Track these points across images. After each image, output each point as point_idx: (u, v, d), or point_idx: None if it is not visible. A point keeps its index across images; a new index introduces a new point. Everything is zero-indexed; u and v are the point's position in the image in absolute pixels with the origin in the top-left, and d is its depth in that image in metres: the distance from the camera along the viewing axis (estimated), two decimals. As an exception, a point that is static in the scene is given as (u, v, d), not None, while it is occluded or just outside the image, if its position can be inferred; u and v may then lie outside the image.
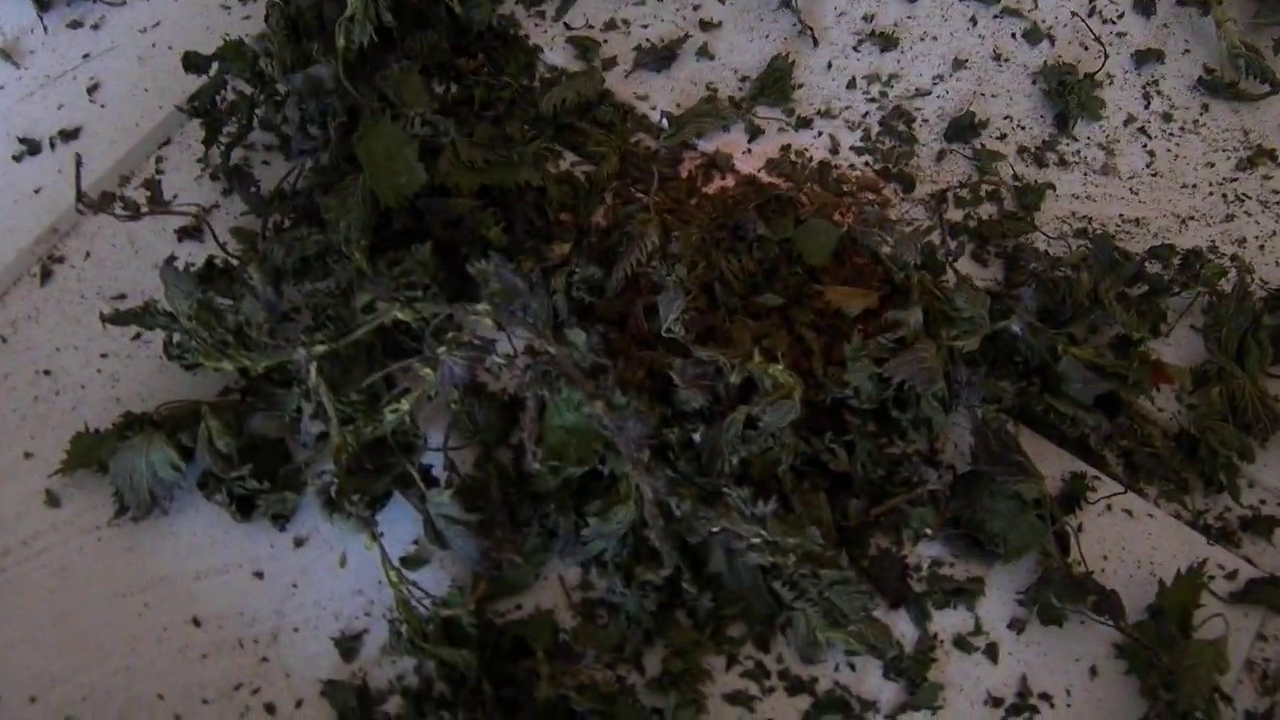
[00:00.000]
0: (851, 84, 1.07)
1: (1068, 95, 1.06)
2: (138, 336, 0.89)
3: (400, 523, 0.82)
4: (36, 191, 0.95)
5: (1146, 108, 1.06)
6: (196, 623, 0.81)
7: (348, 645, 0.81)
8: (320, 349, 0.81)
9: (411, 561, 0.82)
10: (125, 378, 0.88)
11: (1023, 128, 1.05)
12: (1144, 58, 1.09)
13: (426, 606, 0.80)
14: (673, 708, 0.79)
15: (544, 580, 0.82)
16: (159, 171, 0.96)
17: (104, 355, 0.89)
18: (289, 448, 0.85)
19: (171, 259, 0.84)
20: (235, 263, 0.87)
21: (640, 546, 0.81)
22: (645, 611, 0.81)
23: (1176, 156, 1.03)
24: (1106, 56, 1.07)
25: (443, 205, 0.90)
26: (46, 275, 0.91)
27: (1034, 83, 1.07)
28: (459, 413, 0.84)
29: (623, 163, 1.01)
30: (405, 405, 0.81)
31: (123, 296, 0.91)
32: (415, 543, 0.82)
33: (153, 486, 0.83)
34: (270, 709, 0.79)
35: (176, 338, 0.84)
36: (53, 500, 0.84)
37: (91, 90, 1.01)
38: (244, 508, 0.83)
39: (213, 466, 0.82)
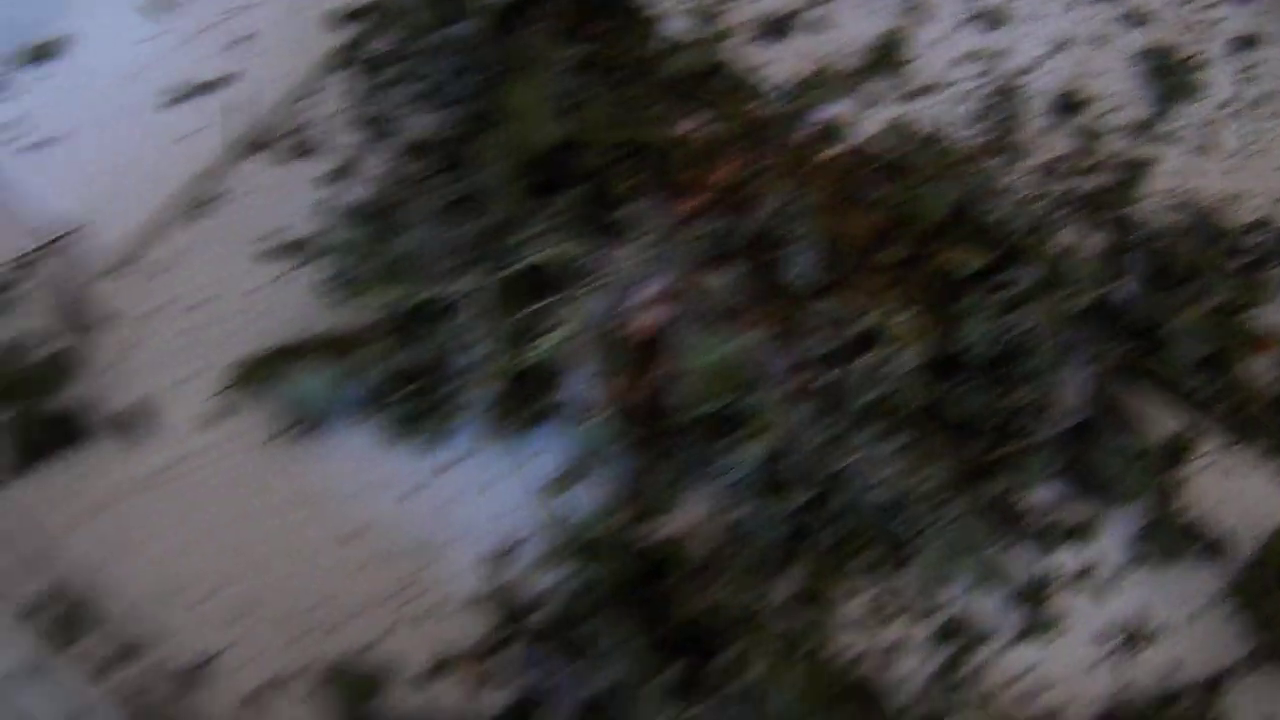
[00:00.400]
0: (959, 60, 1.11)
1: (1167, 77, 1.10)
2: (284, 275, 0.93)
3: (549, 448, 0.86)
4: (187, 138, 0.99)
5: (1243, 91, 1.10)
6: (351, 537, 0.86)
7: (496, 562, 0.85)
8: (477, 282, 0.85)
9: (559, 484, 0.86)
10: (274, 314, 0.92)
11: (1123, 106, 1.09)
12: (1241, 43, 1.13)
13: (572, 527, 0.84)
14: (801, 631, 0.83)
15: (682, 508, 0.86)
16: (307, 120, 1.01)
17: (253, 292, 0.93)
18: (435, 383, 0.89)
19: (326, 200, 0.89)
20: (387, 205, 0.91)
21: (773, 478, 0.86)
22: (777, 539, 0.85)
23: (1274, 137, 1.07)
24: (1204, 41, 1.12)
25: (579, 159, 0.95)
26: (197, 217, 0.96)
27: (1134, 64, 1.11)
28: (602, 349, 0.88)
29: (741, 130, 1.06)
30: (554, 339, 0.86)
31: (272, 237, 0.95)
32: (562, 466, 0.86)
33: (312, 406, 0.87)
34: (421, 620, 0.83)
35: (335, 271, 0.89)
36: (212, 420, 0.89)
37: (241, 41, 1.06)
38: (400, 429, 0.87)
39: (371, 388, 0.87)
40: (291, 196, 0.97)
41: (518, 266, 0.87)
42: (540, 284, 0.90)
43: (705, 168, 1.02)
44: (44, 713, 0.77)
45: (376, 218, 0.90)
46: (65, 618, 0.82)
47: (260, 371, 0.89)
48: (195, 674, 0.82)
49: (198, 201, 0.96)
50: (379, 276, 0.87)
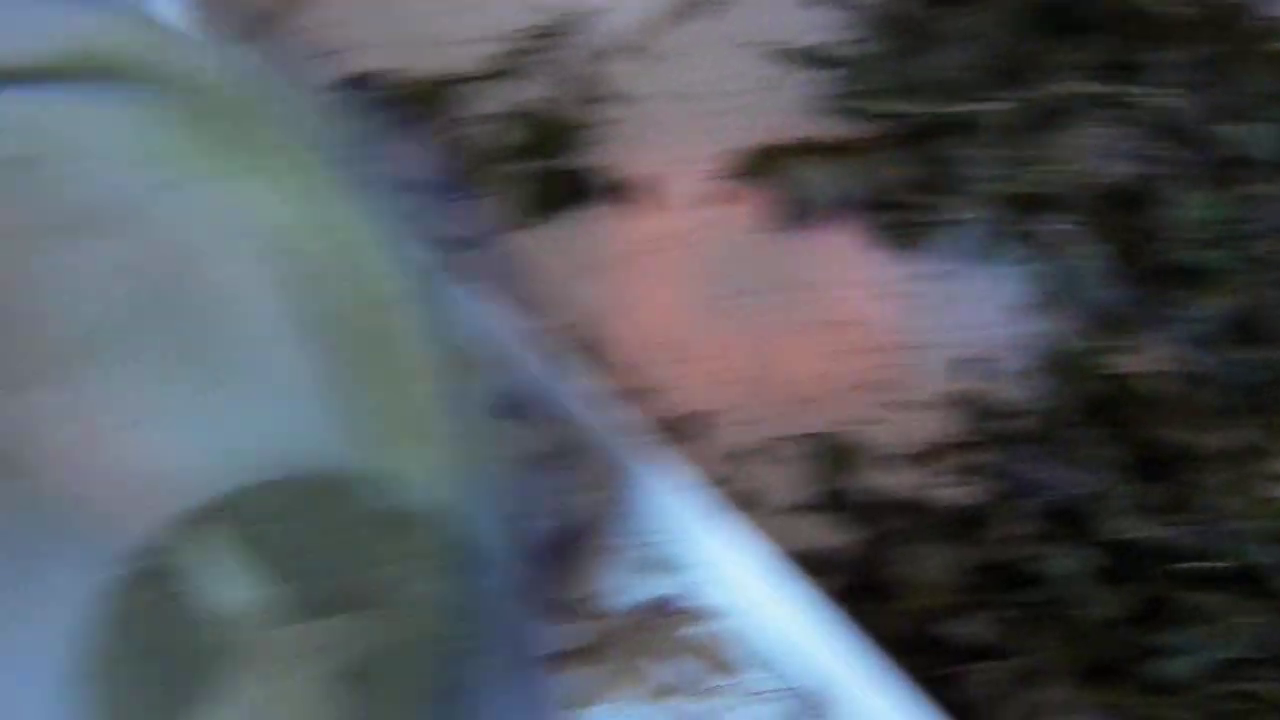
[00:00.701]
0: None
1: None
2: (784, 79, 0.99)
3: (1028, 272, 0.92)
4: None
5: None
6: (837, 325, 0.92)
7: (973, 368, 0.91)
8: (988, 107, 0.91)
9: (1036, 305, 0.92)
10: (767, 113, 0.98)
11: None
12: None
13: (1042, 348, 0.90)
14: (1240, 478, 0.89)
15: (1146, 349, 0.92)
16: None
17: (753, 90, 0.99)
18: (927, 196, 0.95)
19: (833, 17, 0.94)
20: (904, 25, 0.97)
21: (1236, 335, 0.91)
22: (1231, 391, 0.90)
23: None
24: None
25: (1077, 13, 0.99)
26: (697, 16, 1.02)
27: None
28: (1093, 187, 0.93)
29: (1200, 14, 1.10)
30: (1054, 170, 0.91)
31: (773, 44, 1.01)
32: (1039, 291, 0.92)
33: (808, 200, 0.94)
34: (900, 407, 0.90)
35: (848, 80, 0.95)
36: (710, 200, 0.95)
37: None
38: (888, 235, 0.94)
39: (865, 193, 0.93)
40: (786, 9, 1.02)
41: (1032, 97, 0.91)
42: (1047, 118, 0.95)
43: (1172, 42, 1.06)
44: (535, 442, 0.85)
45: (895, 35, 0.95)
46: (569, 356, 0.89)
47: (761, 161, 0.95)
48: (684, 426, 0.89)
49: (698, 1, 1.02)
50: (893, 90, 0.93)
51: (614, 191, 0.96)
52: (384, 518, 0.78)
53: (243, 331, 0.71)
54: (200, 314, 0.71)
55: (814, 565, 0.86)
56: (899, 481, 0.88)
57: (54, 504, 0.73)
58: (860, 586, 0.85)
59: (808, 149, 0.96)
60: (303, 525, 0.80)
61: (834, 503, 0.88)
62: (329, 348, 0.69)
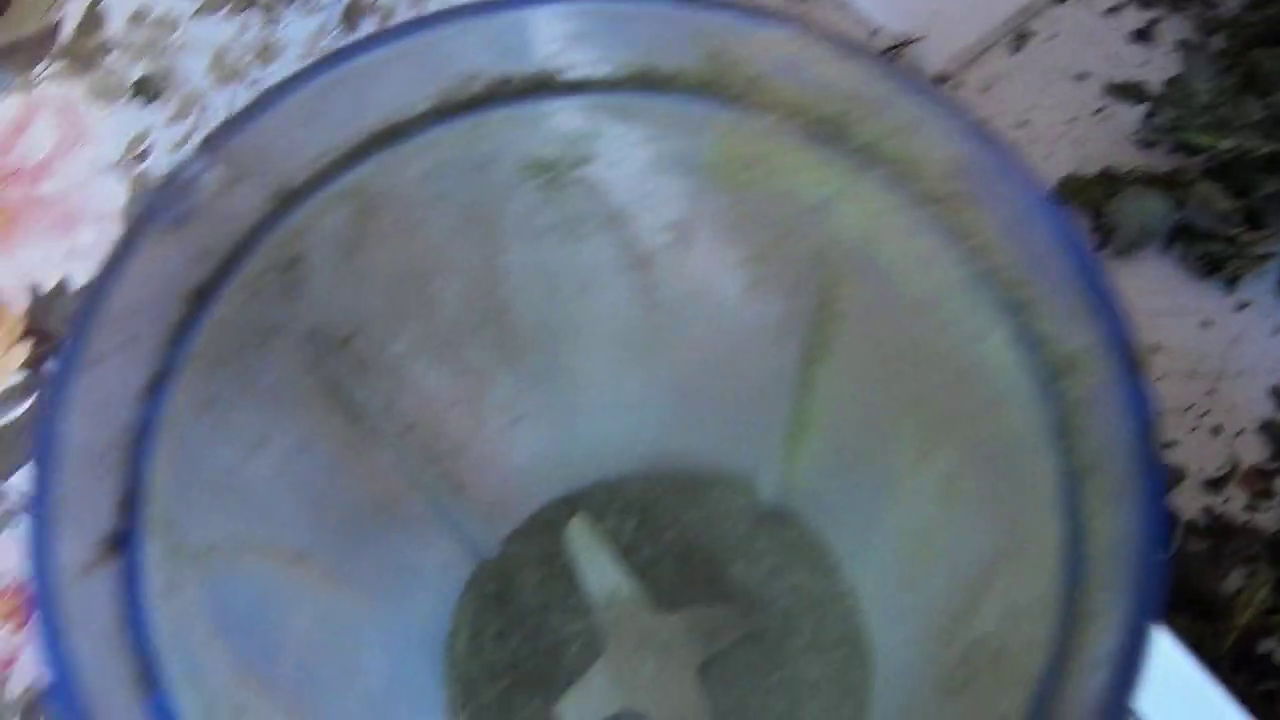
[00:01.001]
0: None
1: None
2: (1098, 112, 1.04)
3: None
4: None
5: None
6: (1152, 351, 0.96)
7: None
8: (1310, 147, 0.94)
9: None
10: (1089, 142, 1.03)
11: None
12: None
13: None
14: None
15: None
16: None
17: (1070, 120, 1.04)
18: (1242, 231, 0.98)
19: (1198, 46, 0.98)
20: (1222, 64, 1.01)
21: None
22: None
23: None
24: None
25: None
26: (1017, 47, 1.07)
27: None
28: None
29: None
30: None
31: (1085, 75, 1.05)
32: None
33: (1129, 228, 0.98)
34: (1215, 431, 0.93)
35: (1165, 115, 0.99)
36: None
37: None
38: (1204, 266, 0.97)
39: (1184, 225, 0.97)
40: (1098, 44, 1.07)
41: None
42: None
43: None
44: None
45: (1214, 73, 0.98)
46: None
47: (1078, 190, 0.99)
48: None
49: (1016, 34, 1.07)
50: (1210, 126, 0.96)
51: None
52: (754, 514, 0.85)
53: (661, 328, 0.77)
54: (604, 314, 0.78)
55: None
56: (1211, 503, 0.92)
57: (444, 488, 0.81)
58: (1177, 604, 0.89)
59: (1125, 179, 1.00)
60: (674, 517, 0.87)
61: (1149, 520, 0.92)
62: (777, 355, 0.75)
